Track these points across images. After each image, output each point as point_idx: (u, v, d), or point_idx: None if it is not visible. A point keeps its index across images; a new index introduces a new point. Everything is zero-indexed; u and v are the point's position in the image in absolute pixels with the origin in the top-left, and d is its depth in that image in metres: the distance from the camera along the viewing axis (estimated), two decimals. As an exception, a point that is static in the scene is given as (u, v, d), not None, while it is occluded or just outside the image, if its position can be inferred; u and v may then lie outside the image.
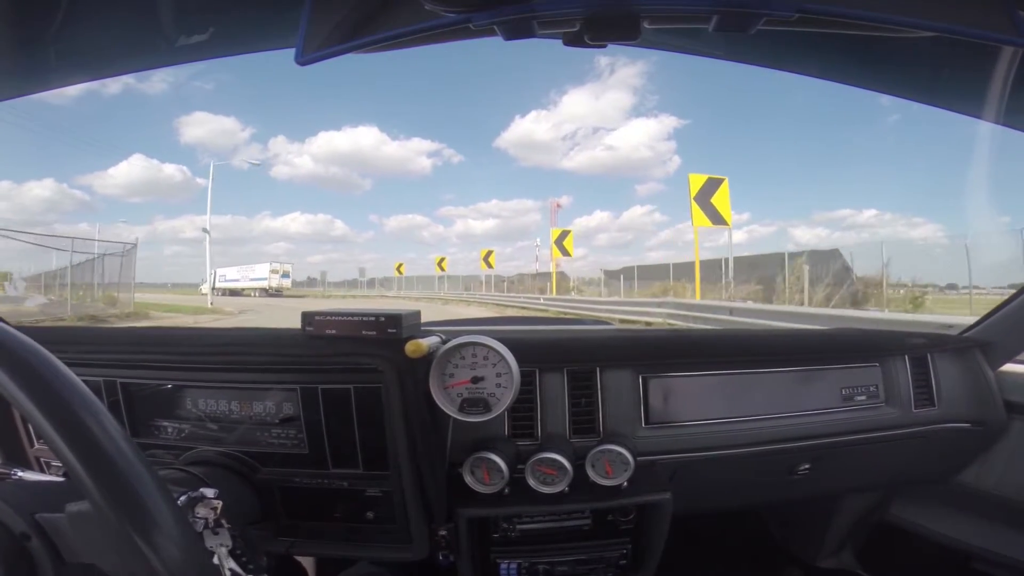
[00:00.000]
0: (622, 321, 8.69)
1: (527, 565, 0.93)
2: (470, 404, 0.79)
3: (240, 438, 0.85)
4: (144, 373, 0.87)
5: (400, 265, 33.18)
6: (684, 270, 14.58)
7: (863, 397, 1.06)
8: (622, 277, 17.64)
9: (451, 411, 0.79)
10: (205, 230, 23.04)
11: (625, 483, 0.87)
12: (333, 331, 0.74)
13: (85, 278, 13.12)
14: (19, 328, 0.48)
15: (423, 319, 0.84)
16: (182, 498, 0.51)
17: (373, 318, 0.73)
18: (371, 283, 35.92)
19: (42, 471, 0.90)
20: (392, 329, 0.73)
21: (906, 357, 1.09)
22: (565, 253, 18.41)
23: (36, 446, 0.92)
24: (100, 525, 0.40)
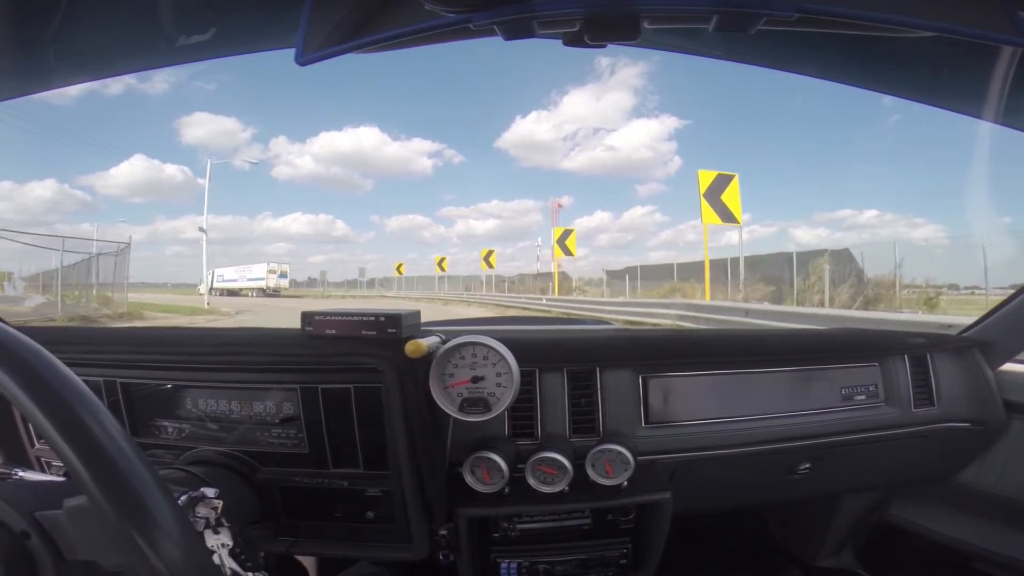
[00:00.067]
0: (630, 324, 8.44)
1: (527, 565, 0.93)
2: (470, 404, 0.79)
3: (240, 438, 0.85)
4: (144, 373, 0.87)
5: (400, 265, 33.21)
6: (689, 270, 14.48)
7: (863, 397, 1.06)
8: (627, 277, 17.43)
9: (451, 411, 0.79)
10: (202, 229, 23.08)
11: (625, 483, 0.87)
12: (333, 331, 0.74)
13: (80, 278, 13.05)
14: (20, 328, 0.48)
15: (423, 319, 0.85)
16: (183, 498, 0.51)
17: (373, 318, 0.73)
18: (371, 283, 35.90)
19: (43, 471, 0.90)
20: (392, 329, 0.73)
21: (906, 357, 1.09)
22: (567, 253, 18.36)
23: (37, 446, 0.92)
24: (99, 521, 0.40)
